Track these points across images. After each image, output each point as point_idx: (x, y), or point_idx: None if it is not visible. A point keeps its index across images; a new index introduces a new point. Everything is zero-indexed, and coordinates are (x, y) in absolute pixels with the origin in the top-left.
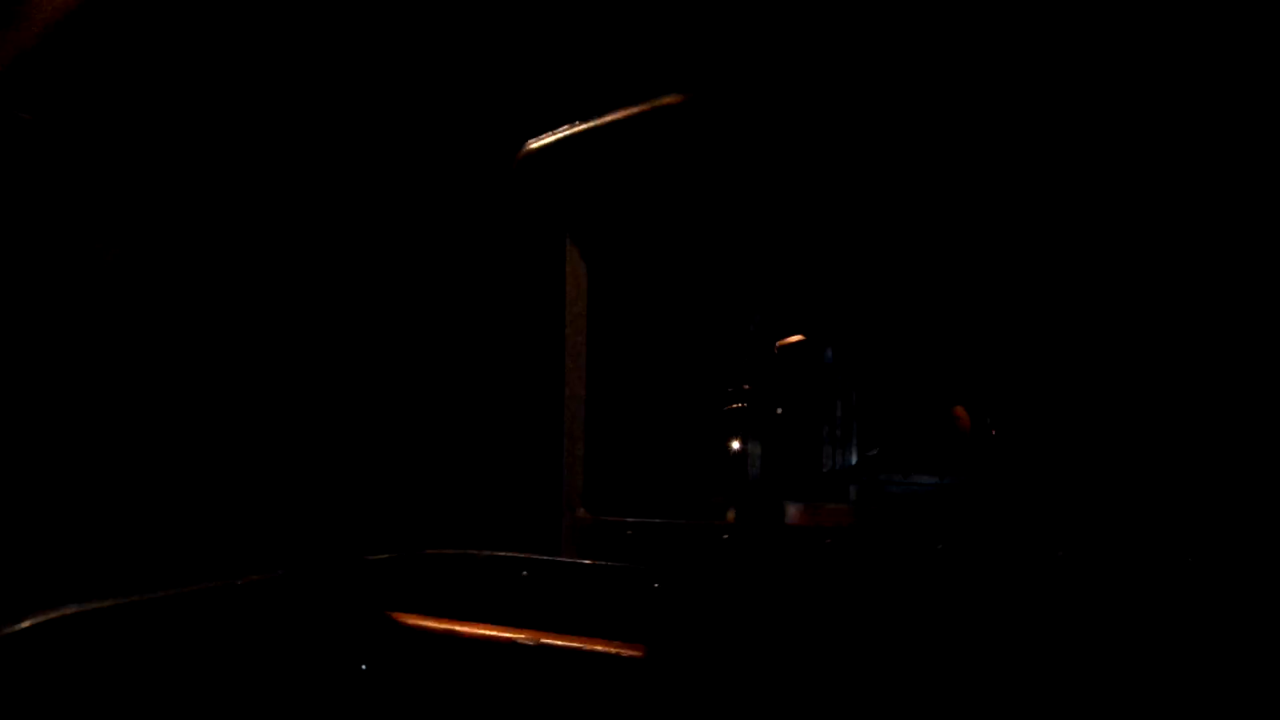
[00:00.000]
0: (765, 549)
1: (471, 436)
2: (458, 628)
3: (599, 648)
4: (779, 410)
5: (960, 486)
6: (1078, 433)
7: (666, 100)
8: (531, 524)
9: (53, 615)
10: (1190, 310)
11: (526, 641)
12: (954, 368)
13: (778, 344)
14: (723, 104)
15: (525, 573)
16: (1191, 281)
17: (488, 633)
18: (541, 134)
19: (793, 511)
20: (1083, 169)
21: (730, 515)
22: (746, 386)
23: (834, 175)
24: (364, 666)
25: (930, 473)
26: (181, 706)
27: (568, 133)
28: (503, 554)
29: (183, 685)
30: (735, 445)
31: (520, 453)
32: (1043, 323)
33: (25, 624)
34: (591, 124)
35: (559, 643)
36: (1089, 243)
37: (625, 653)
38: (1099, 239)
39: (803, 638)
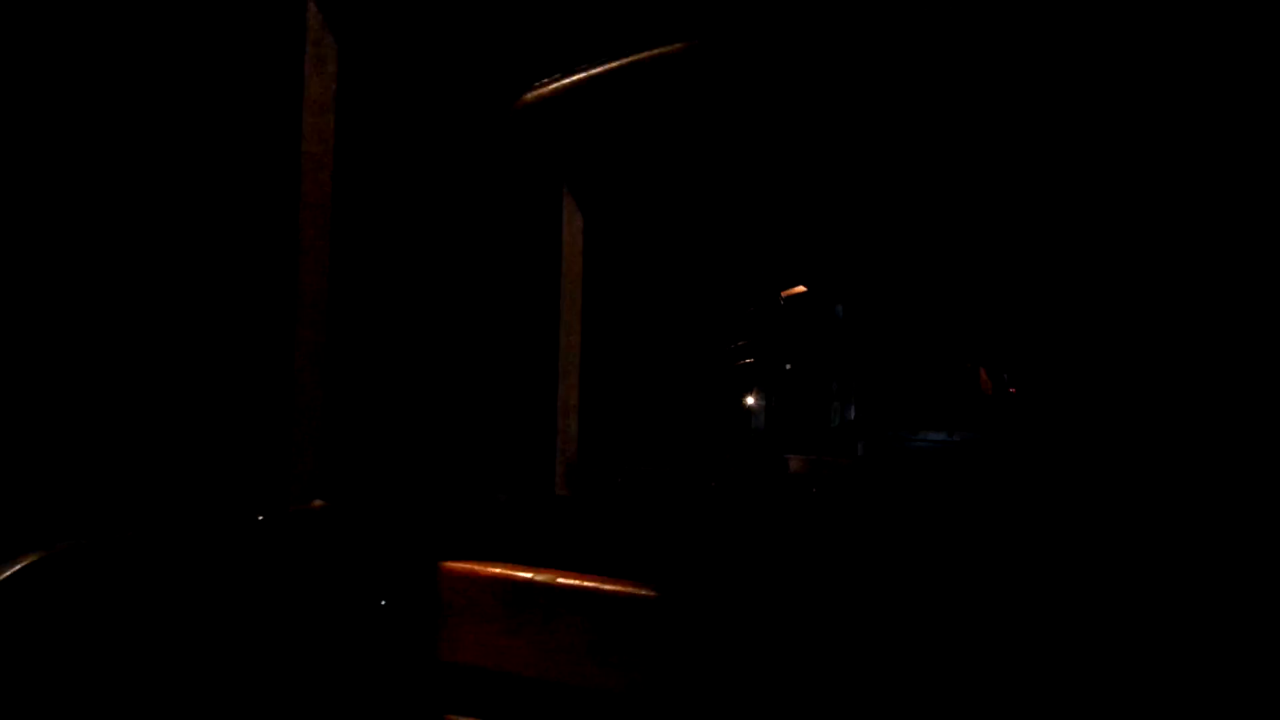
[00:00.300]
0: (752, 497)
1: (467, 389)
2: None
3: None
4: (786, 366)
5: (973, 443)
6: (1098, 392)
7: (669, 48)
8: (525, 470)
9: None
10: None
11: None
12: (968, 324)
13: (782, 294)
14: (726, 52)
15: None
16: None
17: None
18: (539, 81)
19: (795, 464)
20: (1103, 117)
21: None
22: (752, 341)
23: (843, 124)
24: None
25: (939, 429)
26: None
27: (566, 81)
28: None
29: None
30: (741, 400)
31: (516, 405)
32: (1058, 277)
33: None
34: (590, 72)
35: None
36: (1107, 197)
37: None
38: (1118, 193)
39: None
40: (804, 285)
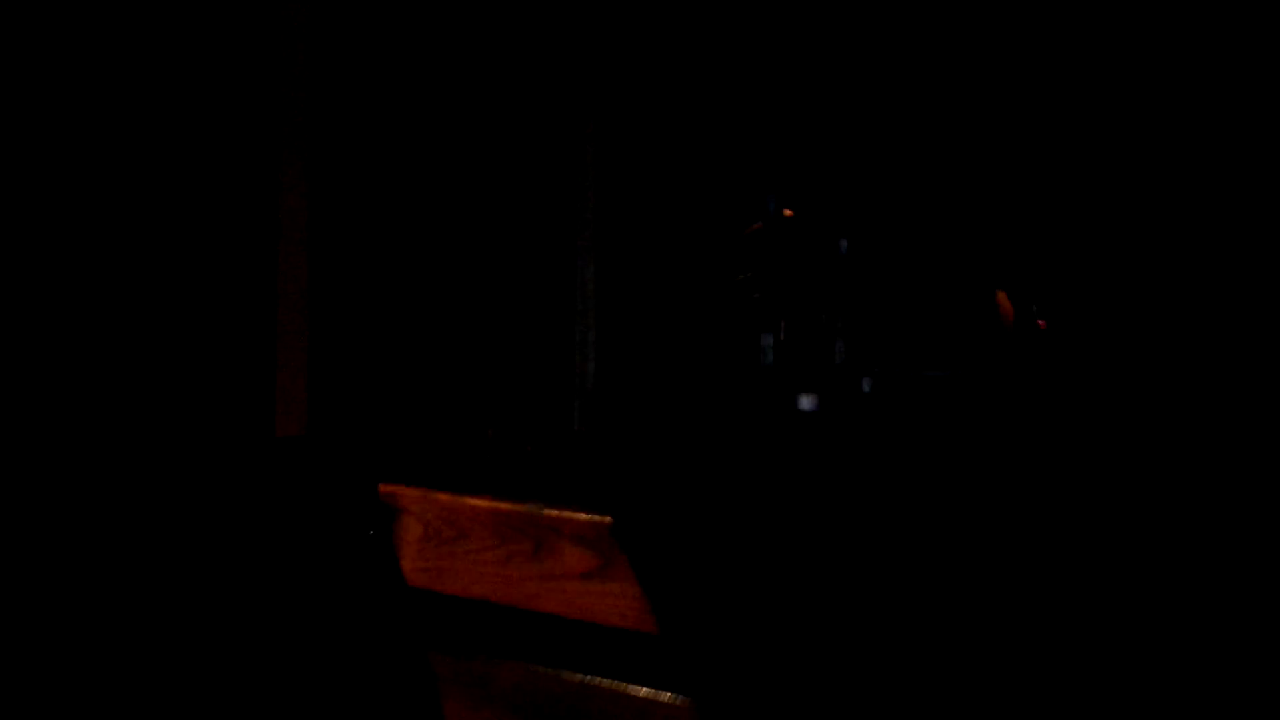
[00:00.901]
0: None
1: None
2: None
3: None
4: (791, 301)
5: (976, 380)
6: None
7: None
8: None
9: None
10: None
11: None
12: (987, 244)
13: (782, 213)
14: None
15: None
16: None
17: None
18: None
19: (805, 401)
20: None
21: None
22: (759, 272)
23: (851, 34)
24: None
25: (944, 366)
26: None
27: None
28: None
29: None
30: (750, 336)
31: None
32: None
33: None
34: None
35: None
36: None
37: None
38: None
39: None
40: (797, 207)
